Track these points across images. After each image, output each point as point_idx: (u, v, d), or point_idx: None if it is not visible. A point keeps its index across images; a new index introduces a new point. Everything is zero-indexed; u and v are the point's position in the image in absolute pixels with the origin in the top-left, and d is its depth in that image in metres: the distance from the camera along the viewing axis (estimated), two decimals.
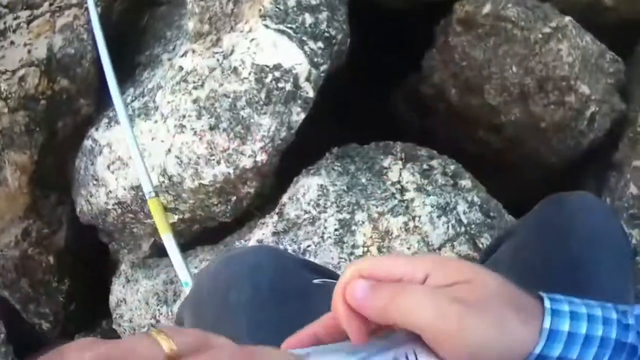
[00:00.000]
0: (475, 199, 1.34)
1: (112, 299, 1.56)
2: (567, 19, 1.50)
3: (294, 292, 0.82)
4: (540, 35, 1.46)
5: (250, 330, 0.77)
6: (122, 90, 1.51)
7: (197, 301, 0.84)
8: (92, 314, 1.73)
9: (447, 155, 1.40)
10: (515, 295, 0.52)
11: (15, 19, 1.60)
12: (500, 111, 1.51)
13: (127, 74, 1.57)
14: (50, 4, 1.58)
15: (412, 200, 1.29)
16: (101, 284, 1.67)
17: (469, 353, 0.47)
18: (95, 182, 1.47)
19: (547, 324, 0.51)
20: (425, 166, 1.35)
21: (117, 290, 1.54)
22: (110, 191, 1.45)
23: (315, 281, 0.86)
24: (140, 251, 1.51)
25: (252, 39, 1.32)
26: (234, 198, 1.35)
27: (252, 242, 1.28)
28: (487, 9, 1.46)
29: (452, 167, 1.36)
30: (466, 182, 1.35)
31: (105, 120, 1.50)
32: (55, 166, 1.60)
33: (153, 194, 1.32)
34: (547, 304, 0.52)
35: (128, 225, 1.48)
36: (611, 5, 1.64)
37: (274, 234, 1.27)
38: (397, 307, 0.49)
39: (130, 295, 1.52)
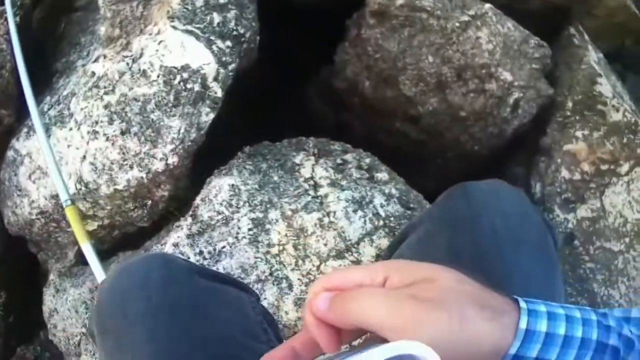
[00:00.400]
0: (393, 191, 1.33)
1: (45, 310, 1.55)
2: (487, 6, 1.50)
3: (185, 299, 0.82)
4: (457, 24, 1.46)
5: (148, 341, 0.77)
6: (40, 99, 1.51)
7: (99, 316, 0.84)
8: (31, 325, 1.73)
9: (364, 149, 1.40)
10: (479, 293, 0.53)
11: None
12: (416, 102, 1.50)
13: (45, 82, 1.56)
14: None
15: (326, 195, 1.29)
16: (37, 295, 1.67)
17: (430, 347, 0.47)
18: (19, 193, 1.47)
19: (523, 324, 0.51)
20: (339, 160, 1.34)
21: (48, 300, 1.53)
22: (32, 201, 1.44)
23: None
24: (67, 260, 1.50)
25: (161, 41, 1.32)
26: (149, 202, 1.35)
27: (169, 246, 1.27)
28: (401, 0, 1.47)
29: (367, 160, 1.35)
30: (382, 175, 1.35)
31: (25, 129, 1.48)
32: None
33: (69, 202, 1.32)
34: (522, 304, 0.53)
35: (52, 234, 1.47)
36: None
37: (189, 236, 1.26)
38: (352, 309, 0.51)
39: (61, 305, 1.51)
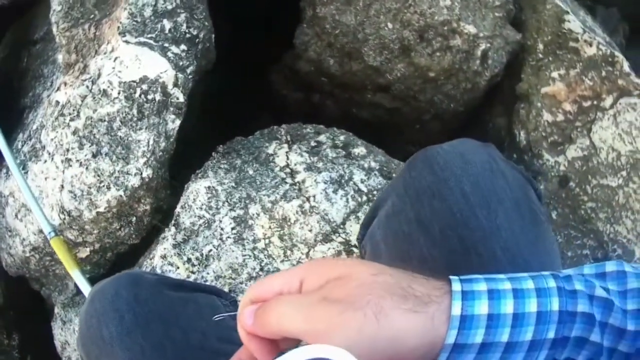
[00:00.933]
0: (373, 164, 1.33)
1: (57, 344, 1.57)
2: None
3: (157, 314, 0.82)
4: None
5: None
6: (14, 137, 1.54)
7: (82, 342, 0.85)
8: None
9: (341, 127, 1.40)
10: (400, 282, 0.50)
11: None
12: (384, 70, 1.50)
13: (16, 120, 1.57)
14: None
15: (304, 181, 1.29)
16: (49, 331, 1.70)
17: (347, 349, 0.45)
18: (10, 234, 1.48)
19: (456, 311, 0.48)
20: (313, 143, 1.34)
21: (58, 333, 1.55)
22: (23, 239, 1.45)
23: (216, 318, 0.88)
24: (68, 290, 1.52)
25: (116, 58, 1.32)
26: (133, 219, 1.35)
27: (157, 259, 1.28)
28: None
29: (342, 137, 1.35)
30: (359, 150, 1.34)
31: (4, 170, 1.49)
32: None
33: (53, 234, 1.34)
34: (455, 286, 0.50)
35: (49, 268, 1.48)
36: None
37: (175, 246, 1.27)
38: (272, 321, 0.51)
39: (70, 336, 1.53)
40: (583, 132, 1.51)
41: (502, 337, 0.48)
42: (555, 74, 1.52)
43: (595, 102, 1.51)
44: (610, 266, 0.53)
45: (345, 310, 0.48)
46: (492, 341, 0.48)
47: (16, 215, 1.46)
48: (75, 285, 1.53)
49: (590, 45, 1.53)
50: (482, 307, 0.48)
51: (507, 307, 0.48)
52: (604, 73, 1.51)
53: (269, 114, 1.62)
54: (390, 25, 1.46)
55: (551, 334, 0.48)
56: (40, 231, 1.42)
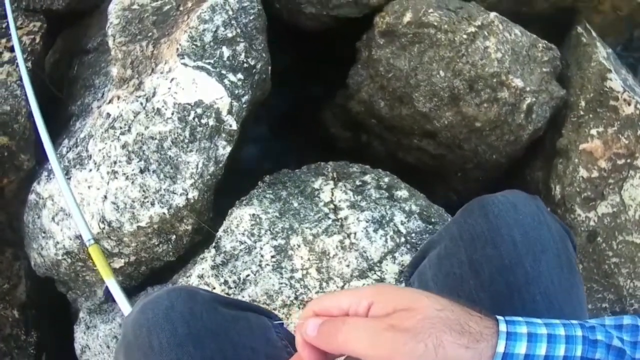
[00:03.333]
0: (414, 207, 1.42)
1: (77, 347, 1.65)
2: (493, 14, 1.56)
3: (210, 329, 0.86)
4: (465, 36, 1.53)
5: None
6: (58, 142, 1.61)
7: (126, 349, 0.92)
8: None
9: (385, 168, 1.48)
10: (459, 319, 0.59)
11: None
12: (432, 117, 1.58)
13: (62, 126, 1.64)
14: None
15: (346, 218, 1.38)
16: (68, 333, 1.79)
17: None
18: (43, 235, 1.56)
19: (500, 348, 0.57)
20: (358, 182, 1.43)
21: (80, 337, 1.64)
22: (57, 242, 1.52)
23: (275, 322, 0.97)
24: (96, 297, 1.60)
25: (172, 79, 1.39)
26: (173, 237, 1.42)
27: (194, 278, 1.37)
28: (407, 17, 1.53)
29: (386, 179, 1.44)
30: (402, 193, 1.43)
31: (45, 173, 1.56)
32: (8, 222, 1.68)
33: (92, 242, 1.41)
34: (502, 327, 0.59)
35: (80, 273, 1.55)
36: None
37: (213, 267, 1.36)
38: (339, 339, 0.59)
39: (92, 341, 1.61)
40: (615, 189, 1.59)
41: None
42: (594, 131, 1.60)
43: (628, 160, 1.59)
44: (627, 319, 0.63)
45: (409, 341, 0.56)
46: None
47: (53, 219, 1.55)
48: (105, 293, 1.62)
49: (629, 104, 1.61)
50: (521, 348, 0.58)
51: (541, 349, 0.58)
52: (639, 132, 1.61)
53: (315, 148, 1.71)
54: (442, 73, 1.54)
55: None
56: (77, 237, 1.51)
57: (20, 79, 1.62)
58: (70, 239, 1.51)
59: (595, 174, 1.61)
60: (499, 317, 0.61)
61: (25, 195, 1.67)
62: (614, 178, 1.61)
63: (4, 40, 1.71)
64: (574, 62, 1.71)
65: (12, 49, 1.69)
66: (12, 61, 1.66)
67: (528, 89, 1.57)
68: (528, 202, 0.91)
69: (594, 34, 1.77)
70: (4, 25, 1.77)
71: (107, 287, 1.59)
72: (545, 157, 1.69)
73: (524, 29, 1.60)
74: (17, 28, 1.62)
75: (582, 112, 1.64)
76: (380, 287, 0.65)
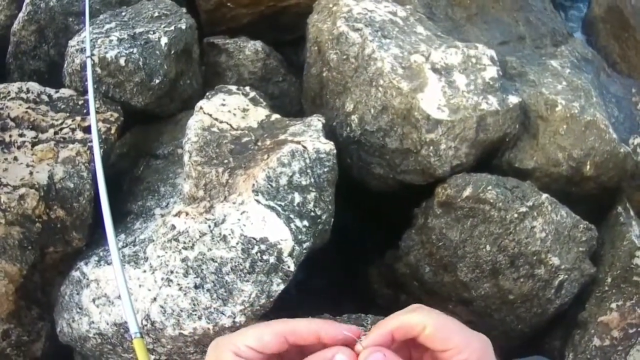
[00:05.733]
0: None
1: None
2: (544, 196, 1.74)
3: None
4: (516, 215, 1.70)
5: None
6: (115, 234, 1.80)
7: None
8: None
9: None
10: None
11: (20, 135, 1.84)
12: (471, 287, 1.74)
13: (118, 220, 1.78)
14: (55, 133, 1.82)
15: None
16: None
17: None
18: (79, 310, 1.68)
19: None
20: None
21: None
22: (93, 322, 1.65)
23: None
24: None
25: (243, 212, 1.56)
26: None
27: None
28: (467, 192, 1.71)
29: None
30: None
31: (95, 258, 1.71)
32: (41, 285, 1.81)
33: (138, 335, 1.59)
34: None
35: (105, 354, 1.68)
36: (590, 175, 1.92)
37: None
38: None
39: None
40: (622, 355, 1.73)
41: None
42: (613, 305, 1.76)
43: (639, 329, 1.74)
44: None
45: None
46: None
47: (93, 300, 1.68)
48: None
49: None
50: None
51: None
52: None
53: (354, 298, 1.89)
54: (488, 248, 1.70)
55: None
56: (115, 324, 1.65)
57: (89, 162, 1.77)
58: (107, 324, 1.65)
59: (607, 342, 1.76)
60: None
61: (64, 267, 1.81)
62: (623, 345, 1.75)
63: (78, 118, 1.87)
64: (609, 240, 1.88)
65: (85, 130, 1.84)
66: (84, 141, 1.80)
67: (563, 266, 1.74)
68: None
69: (631, 212, 1.94)
70: (80, 103, 1.94)
71: None
72: (565, 328, 1.85)
73: (569, 211, 1.77)
74: (95, 112, 1.76)
75: (606, 288, 1.81)
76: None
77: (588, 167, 1.90)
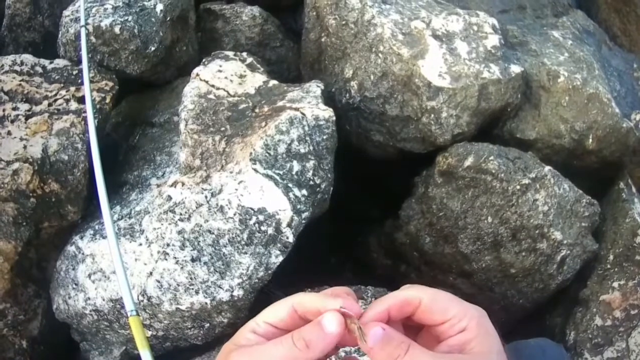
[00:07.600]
0: None
1: None
2: (547, 168, 1.71)
3: None
4: (518, 187, 1.66)
5: None
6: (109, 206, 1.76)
7: None
8: None
9: None
10: None
11: (14, 109, 1.79)
12: (472, 259, 1.71)
13: (114, 191, 1.73)
14: (49, 104, 1.77)
15: None
16: None
17: None
18: (74, 287, 1.63)
19: None
20: None
21: None
22: (89, 298, 1.61)
23: None
24: (111, 356, 1.70)
25: (241, 181, 1.51)
26: (207, 325, 1.52)
27: None
28: (469, 161, 1.67)
29: None
30: None
31: (91, 231, 1.67)
32: (37, 261, 1.77)
33: (134, 312, 1.56)
34: None
35: (102, 330, 1.65)
36: (593, 149, 1.88)
37: None
38: None
39: None
40: (623, 336, 1.71)
41: None
42: (615, 284, 1.74)
43: None
44: None
45: None
46: None
47: (89, 276, 1.64)
48: (122, 355, 1.75)
49: None
50: None
51: None
52: None
53: (353, 267, 1.86)
54: (490, 219, 1.67)
55: None
56: (112, 300, 1.62)
57: (84, 134, 1.73)
58: (104, 300, 1.61)
59: (609, 322, 1.74)
60: None
61: (60, 241, 1.76)
62: (625, 326, 1.73)
63: (72, 88, 1.82)
64: (611, 217, 1.84)
65: (80, 100, 1.80)
66: (78, 112, 1.76)
67: (565, 242, 1.70)
68: (554, 349, 1.10)
69: (633, 189, 1.91)
70: (74, 73, 1.90)
71: (125, 350, 1.75)
72: (566, 305, 1.82)
73: (572, 184, 1.73)
74: (90, 81, 1.73)
75: (608, 266, 1.78)
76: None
77: (591, 140, 1.87)
